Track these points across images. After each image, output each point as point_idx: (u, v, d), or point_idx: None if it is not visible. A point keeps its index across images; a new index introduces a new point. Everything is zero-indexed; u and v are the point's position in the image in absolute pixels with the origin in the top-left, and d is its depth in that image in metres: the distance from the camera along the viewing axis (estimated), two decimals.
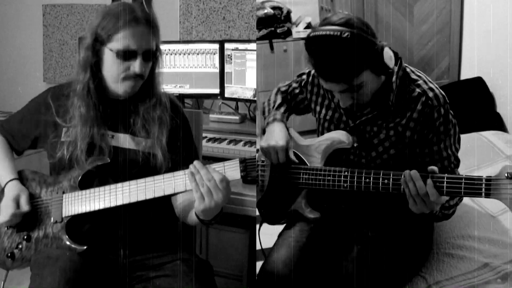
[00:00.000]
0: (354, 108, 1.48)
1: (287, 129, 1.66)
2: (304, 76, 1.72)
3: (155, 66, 1.58)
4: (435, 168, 1.31)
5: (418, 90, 1.47)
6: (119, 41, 1.47)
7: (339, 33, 1.33)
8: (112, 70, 1.50)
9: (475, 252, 1.72)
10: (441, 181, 1.30)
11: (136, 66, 1.48)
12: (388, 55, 1.41)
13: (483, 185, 1.27)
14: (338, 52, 1.34)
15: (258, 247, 1.80)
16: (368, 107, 1.52)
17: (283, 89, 1.80)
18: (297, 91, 1.75)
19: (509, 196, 1.24)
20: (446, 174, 1.31)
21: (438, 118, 1.45)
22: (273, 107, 1.78)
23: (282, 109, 1.75)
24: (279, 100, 1.78)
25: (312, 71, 1.68)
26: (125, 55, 1.47)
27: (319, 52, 1.36)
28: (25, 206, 1.50)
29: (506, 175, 1.24)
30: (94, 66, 1.52)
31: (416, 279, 1.64)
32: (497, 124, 2.87)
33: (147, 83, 1.56)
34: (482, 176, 1.28)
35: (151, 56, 1.52)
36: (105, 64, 1.51)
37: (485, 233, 1.79)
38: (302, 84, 1.73)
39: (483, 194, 1.27)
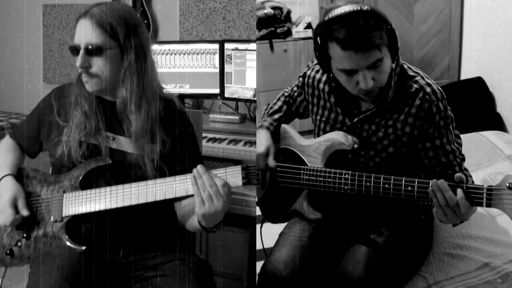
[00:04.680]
0: (373, 93, 1.45)
1: (271, 137, 1.67)
2: (301, 78, 1.72)
3: (147, 64, 1.53)
4: (463, 176, 1.28)
5: (415, 86, 1.48)
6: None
7: (359, 8, 1.35)
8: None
9: (475, 252, 1.71)
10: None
11: (77, 60, 1.46)
12: (398, 37, 1.42)
13: (485, 194, 1.25)
14: (364, 22, 1.34)
15: (259, 246, 1.80)
16: (368, 104, 1.53)
17: (286, 93, 1.81)
18: (296, 93, 1.76)
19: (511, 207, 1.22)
20: (447, 182, 1.28)
21: (438, 113, 1.45)
22: (267, 112, 1.79)
23: (276, 116, 1.76)
24: (276, 106, 1.80)
25: (308, 72, 1.68)
26: (72, 51, 1.47)
27: (346, 26, 1.35)
28: (23, 211, 1.49)
29: (507, 185, 1.22)
30: None
31: (416, 279, 1.64)
32: (497, 124, 2.87)
33: (144, 84, 1.52)
34: (483, 186, 1.27)
35: (95, 51, 1.46)
36: None
37: (485, 233, 1.79)
38: (300, 86, 1.73)
39: (484, 203, 1.26)
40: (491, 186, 1.25)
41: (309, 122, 1.78)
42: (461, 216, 1.30)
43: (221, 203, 1.31)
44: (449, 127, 1.48)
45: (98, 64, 1.47)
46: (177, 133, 1.56)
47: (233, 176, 1.36)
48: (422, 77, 1.50)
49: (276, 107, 1.80)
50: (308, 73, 1.68)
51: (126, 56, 1.48)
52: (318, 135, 1.65)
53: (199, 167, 1.35)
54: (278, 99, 1.82)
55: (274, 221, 1.74)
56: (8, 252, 1.52)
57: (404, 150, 1.51)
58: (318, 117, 1.66)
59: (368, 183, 1.42)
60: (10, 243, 1.53)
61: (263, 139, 1.64)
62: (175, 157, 1.54)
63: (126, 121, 1.52)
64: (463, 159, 1.53)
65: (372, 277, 1.48)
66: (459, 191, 1.27)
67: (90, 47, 1.45)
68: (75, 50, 1.47)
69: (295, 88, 1.77)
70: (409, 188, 1.36)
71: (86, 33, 1.45)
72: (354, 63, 1.38)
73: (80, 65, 1.46)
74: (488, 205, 1.25)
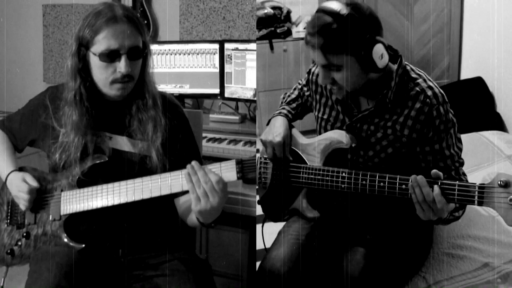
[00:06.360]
0: (332, 89, 1.49)
1: (291, 125, 1.67)
2: (307, 75, 1.73)
3: (146, 66, 1.53)
4: (439, 173, 1.30)
5: (417, 88, 1.47)
6: (100, 43, 1.42)
7: (339, 10, 1.37)
8: (99, 74, 1.46)
9: (475, 252, 1.72)
10: (447, 188, 1.29)
11: (121, 66, 1.43)
12: (378, 53, 1.39)
13: (476, 192, 1.26)
14: (330, 23, 1.36)
15: (259, 246, 1.80)
16: (367, 104, 1.53)
17: (299, 86, 1.81)
18: (305, 88, 1.76)
19: (502, 205, 1.22)
20: (441, 180, 1.30)
21: (438, 116, 1.44)
22: (285, 100, 1.79)
23: (294, 105, 1.77)
24: (293, 95, 1.80)
25: (313, 69, 1.69)
26: (108, 56, 1.43)
27: (316, 19, 1.39)
28: (33, 182, 1.50)
29: (499, 183, 1.22)
30: (83, 71, 1.49)
31: (416, 279, 1.64)
32: (497, 124, 2.87)
33: (139, 84, 1.53)
34: (475, 184, 1.27)
35: (139, 54, 1.48)
36: (93, 69, 1.47)
37: (485, 233, 1.79)
38: (306, 82, 1.74)
39: (475, 202, 1.26)
40: (483, 184, 1.25)
41: (309, 122, 1.78)
42: (437, 212, 1.31)
43: (216, 199, 1.30)
44: (449, 131, 1.47)
45: (136, 67, 1.48)
46: (173, 124, 1.56)
47: (228, 170, 1.35)
48: (424, 80, 1.49)
49: (293, 95, 1.80)
50: (312, 70, 1.69)
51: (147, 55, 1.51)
52: (320, 133, 1.65)
53: (193, 163, 1.33)
54: (294, 88, 1.82)
55: (276, 219, 1.74)
56: (8, 251, 1.53)
57: (403, 152, 1.51)
58: (320, 115, 1.66)
59: (364, 181, 1.43)
60: (10, 242, 1.54)
61: (280, 128, 1.63)
62: (173, 149, 1.54)
63: (126, 120, 1.53)
64: (462, 164, 1.52)
65: (372, 277, 1.48)
66: (435, 187, 1.29)
67: (132, 51, 1.45)
68: (111, 55, 1.43)
69: (303, 82, 1.77)
70: (403, 186, 1.37)
71: (128, 37, 1.43)
72: (313, 56, 1.43)
73: (127, 71, 1.44)
74: (480, 203, 1.25)
